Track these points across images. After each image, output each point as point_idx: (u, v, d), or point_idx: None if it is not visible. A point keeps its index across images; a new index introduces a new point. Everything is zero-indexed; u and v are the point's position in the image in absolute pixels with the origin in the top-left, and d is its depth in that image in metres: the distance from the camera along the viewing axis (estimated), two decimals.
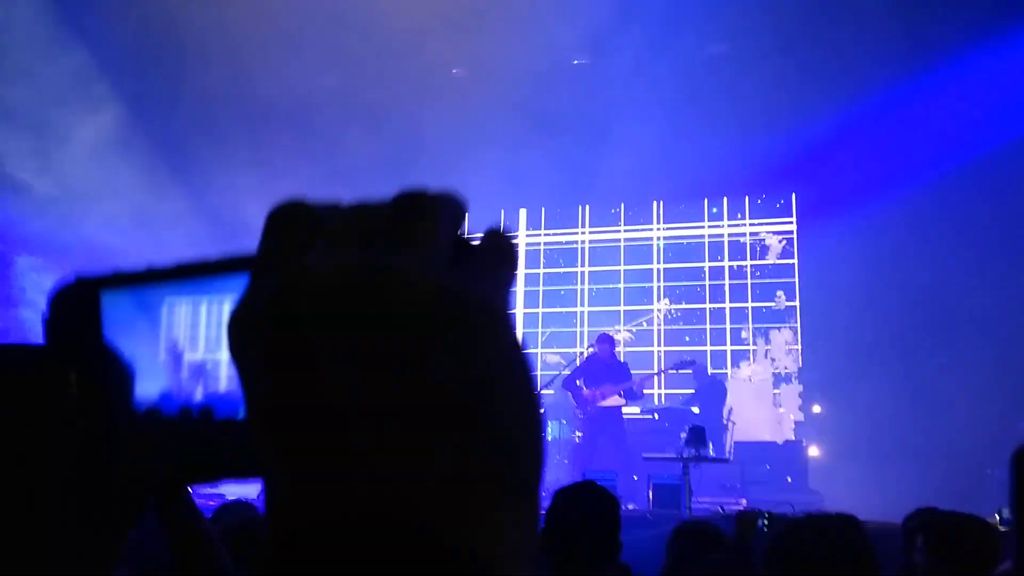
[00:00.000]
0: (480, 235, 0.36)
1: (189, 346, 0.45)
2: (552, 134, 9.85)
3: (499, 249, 0.36)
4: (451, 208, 0.35)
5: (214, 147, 9.99)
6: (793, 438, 9.33)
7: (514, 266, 0.35)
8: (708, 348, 10.26)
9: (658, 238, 10.88)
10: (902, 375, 8.81)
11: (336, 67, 9.68)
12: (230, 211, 9.30)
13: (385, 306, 0.31)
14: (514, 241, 0.36)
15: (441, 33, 9.32)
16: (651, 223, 10.91)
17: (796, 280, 10.25)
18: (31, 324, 9.22)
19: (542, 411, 0.34)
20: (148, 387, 0.44)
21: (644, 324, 10.06)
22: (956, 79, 9.14)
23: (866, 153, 9.59)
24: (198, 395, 0.44)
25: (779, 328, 10.21)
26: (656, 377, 9.64)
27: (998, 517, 6.12)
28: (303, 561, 0.29)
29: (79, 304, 0.44)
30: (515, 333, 0.33)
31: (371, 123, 9.70)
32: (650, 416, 8.93)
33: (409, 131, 9.88)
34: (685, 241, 10.76)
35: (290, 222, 0.34)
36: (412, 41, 9.37)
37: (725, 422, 8.79)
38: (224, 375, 0.45)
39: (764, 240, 10.53)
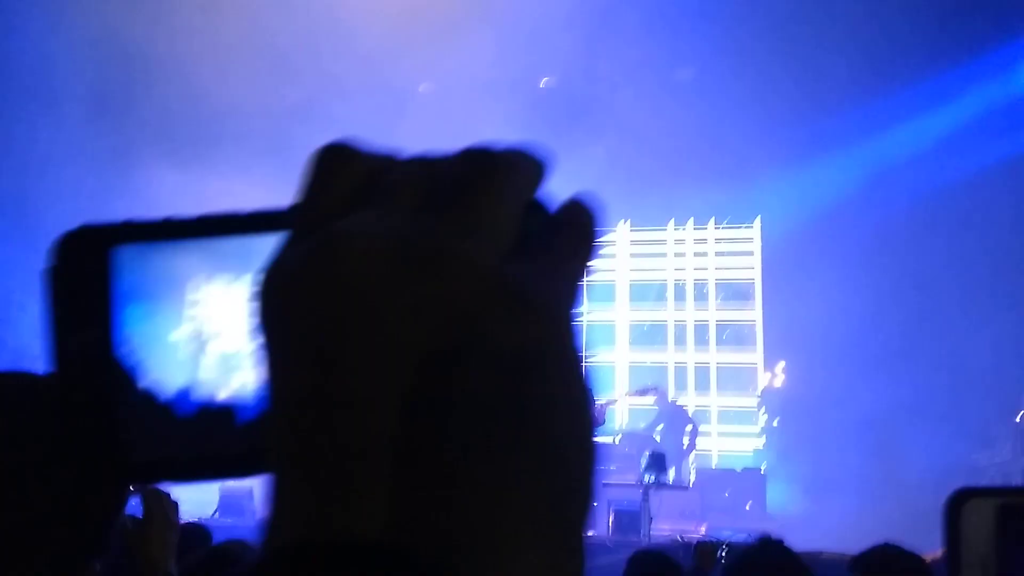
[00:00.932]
0: (562, 201, 0.31)
1: (216, 331, 0.37)
2: None
3: (578, 226, 0.30)
4: (526, 169, 0.30)
5: (171, 158, 9.82)
6: (752, 465, 9.36)
7: (592, 250, 0.30)
8: (671, 366, 10.26)
9: (622, 240, 10.90)
10: (862, 405, 8.90)
11: (302, 81, 9.61)
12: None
13: (435, 292, 0.26)
14: (597, 217, 0.31)
15: (409, 50, 9.31)
16: (615, 243, 10.93)
17: (758, 306, 10.31)
18: None
19: (596, 442, 0.29)
20: (163, 377, 0.36)
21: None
22: (919, 101, 9.38)
23: (830, 176, 9.74)
24: (221, 393, 0.36)
25: (741, 352, 10.26)
26: (617, 402, 9.62)
27: None
28: None
29: (86, 261, 0.36)
30: (577, 343, 0.28)
31: (336, 137, 9.61)
32: (611, 440, 8.90)
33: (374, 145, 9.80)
34: (649, 270, 10.78)
35: (338, 169, 0.29)
36: (380, 56, 9.35)
37: (686, 448, 8.79)
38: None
39: (728, 265, 10.59)
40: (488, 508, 0.26)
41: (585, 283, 0.30)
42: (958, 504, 0.55)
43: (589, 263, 0.30)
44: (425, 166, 0.30)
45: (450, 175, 0.29)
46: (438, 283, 0.27)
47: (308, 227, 0.28)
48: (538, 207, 0.31)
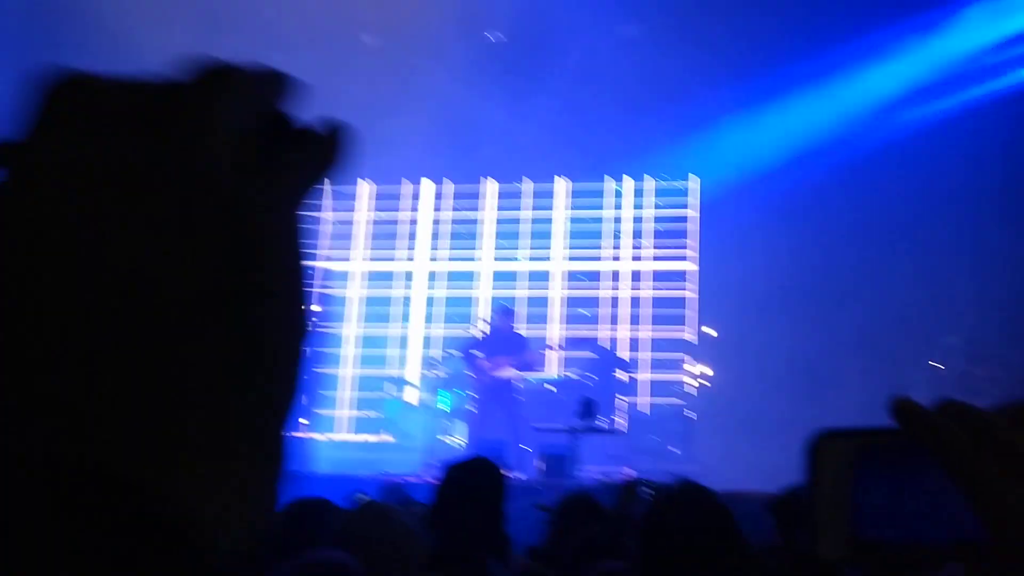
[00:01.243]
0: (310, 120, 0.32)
1: None
2: (459, 106, 9.86)
3: (317, 141, 0.31)
4: (255, 84, 0.30)
5: None
6: (682, 410, 9.64)
7: (327, 163, 0.31)
8: (608, 327, 10.47)
9: (564, 212, 11.01)
10: (793, 352, 9.20)
11: (239, 30, 9.40)
12: None
13: (149, 213, 0.27)
14: (338, 134, 0.32)
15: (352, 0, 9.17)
16: (552, 199, 11.02)
17: (697, 267, 10.53)
18: None
19: (308, 354, 0.29)
20: None
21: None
22: (862, 63, 9.60)
23: (770, 139, 9.96)
24: None
25: (677, 310, 10.48)
26: (553, 352, 9.74)
27: None
28: None
29: None
30: (295, 256, 0.29)
31: None
32: (545, 387, 9.04)
33: (314, 98, 9.66)
34: (587, 227, 10.91)
35: (60, 100, 0.29)
36: (320, 5, 9.19)
37: (617, 393, 9.02)
38: None
39: (665, 216, 10.76)
40: (203, 429, 0.26)
41: (319, 193, 0.31)
42: (818, 445, 0.56)
43: (322, 175, 0.31)
44: (149, 87, 0.29)
45: (172, 93, 0.29)
46: (152, 204, 0.27)
47: (27, 163, 0.28)
48: (282, 122, 0.31)
